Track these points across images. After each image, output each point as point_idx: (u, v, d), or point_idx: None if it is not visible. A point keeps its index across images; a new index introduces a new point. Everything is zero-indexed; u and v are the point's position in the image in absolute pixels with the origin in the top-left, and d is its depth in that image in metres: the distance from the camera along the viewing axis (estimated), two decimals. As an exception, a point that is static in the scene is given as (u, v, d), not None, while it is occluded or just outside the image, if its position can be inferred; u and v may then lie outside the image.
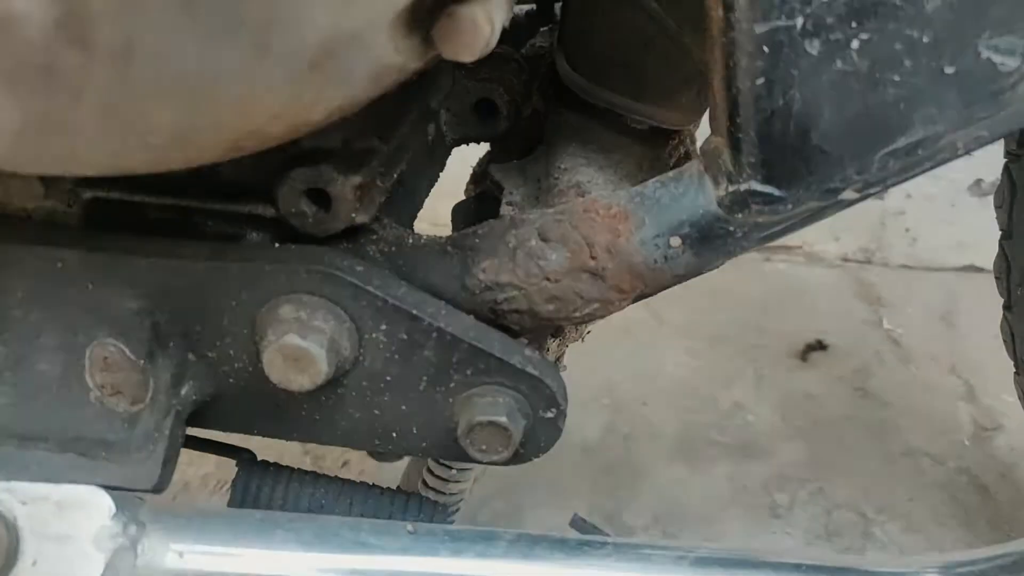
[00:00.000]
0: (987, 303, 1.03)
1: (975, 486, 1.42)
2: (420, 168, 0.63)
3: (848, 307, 1.93)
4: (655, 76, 0.59)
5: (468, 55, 0.37)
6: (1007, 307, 0.91)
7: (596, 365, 1.56)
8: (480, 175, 0.80)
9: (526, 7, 0.84)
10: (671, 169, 0.59)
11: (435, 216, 0.77)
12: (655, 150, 0.61)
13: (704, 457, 1.42)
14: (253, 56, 0.31)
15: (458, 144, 0.72)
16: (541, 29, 0.83)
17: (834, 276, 2.05)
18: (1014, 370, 0.94)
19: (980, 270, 1.94)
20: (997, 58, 0.41)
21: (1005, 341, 0.95)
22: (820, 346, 1.79)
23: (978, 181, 2.00)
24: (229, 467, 0.58)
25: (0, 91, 0.30)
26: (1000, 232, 0.89)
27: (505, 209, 0.57)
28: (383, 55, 0.35)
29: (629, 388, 1.56)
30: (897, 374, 1.71)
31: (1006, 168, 0.86)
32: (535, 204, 0.56)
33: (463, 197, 0.77)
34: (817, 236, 2.06)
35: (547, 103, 0.70)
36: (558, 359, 0.79)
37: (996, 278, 0.93)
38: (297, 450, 1.23)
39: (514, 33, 0.79)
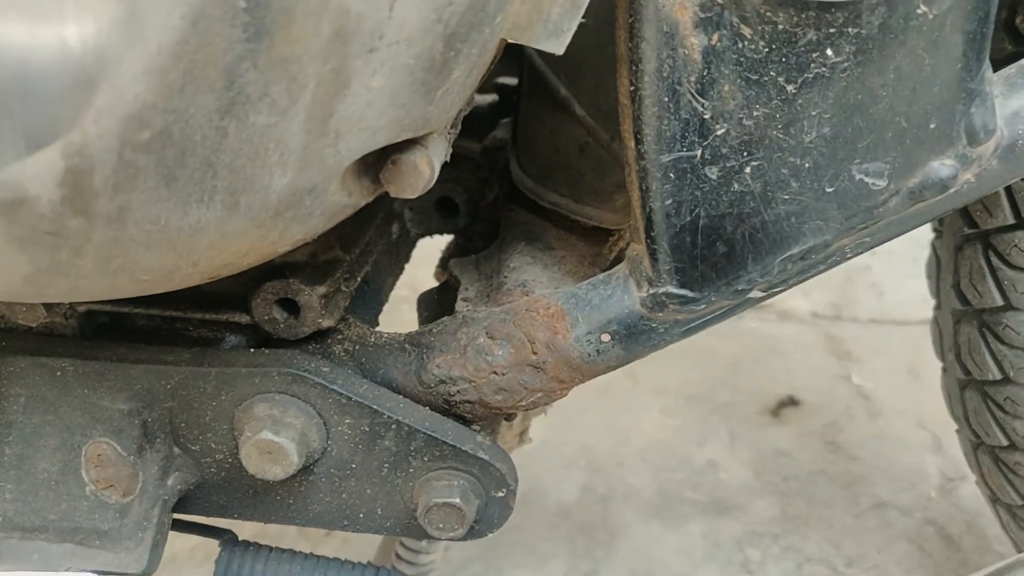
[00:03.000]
0: (952, 356, 1.09)
1: (942, 536, 1.47)
2: (385, 266, 0.70)
3: (818, 362, 1.98)
4: (591, 180, 0.66)
5: (411, 193, 0.44)
6: (943, 369, 0.98)
7: (572, 426, 1.61)
8: (445, 261, 0.87)
9: (489, 97, 0.91)
10: (611, 263, 0.66)
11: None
12: (596, 246, 0.67)
13: (679, 515, 1.46)
14: (225, 213, 0.37)
15: (422, 237, 0.79)
16: (502, 120, 0.89)
17: (805, 332, 2.11)
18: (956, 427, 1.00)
19: (944, 324, 1.99)
20: (868, 180, 0.48)
21: (945, 400, 1.01)
22: (792, 402, 1.84)
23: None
24: (213, 546, 0.63)
25: (14, 250, 0.36)
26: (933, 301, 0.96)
27: (460, 305, 0.63)
28: (337, 199, 0.42)
29: (605, 449, 1.61)
30: (866, 428, 1.76)
31: (932, 244, 0.93)
32: (487, 301, 0.62)
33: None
34: (788, 293, 2.12)
35: (503, 198, 0.77)
36: (523, 432, 0.84)
37: (932, 342, 1.00)
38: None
39: (476, 124, 0.86)
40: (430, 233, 0.78)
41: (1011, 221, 0.76)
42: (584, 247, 0.68)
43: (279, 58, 0.32)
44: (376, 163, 0.43)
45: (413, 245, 0.79)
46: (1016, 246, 0.76)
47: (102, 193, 0.34)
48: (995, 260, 0.79)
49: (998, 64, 0.74)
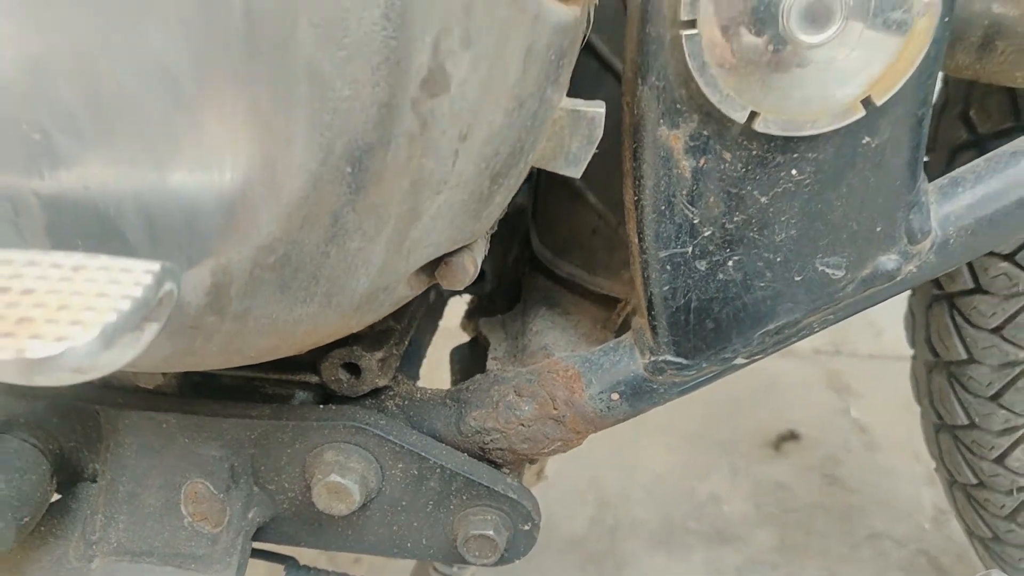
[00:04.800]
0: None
1: (934, 567, 1.55)
2: (424, 326, 0.81)
3: (818, 397, 2.07)
4: (602, 256, 0.77)
5: (459, 286, 0.55)
6: (921, 413, 1.08)
7: (582, 462, 1.70)
8: (473, 311, 0.98)
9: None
10: (619, 327, 0.77)
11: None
12: (606, 312, 0.78)
13: (683, 545, 1.56)
14: (320, 309, 0.49)
15: (452, 297, 0.91)
16: (522, 186, 1.01)
17: (806, 367, 2.19)
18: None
19: (937, 361, 2.08)
20: (829, 271, 0.59)
21: (924, 440, 1.11)
22: (792, 436, 1.93)
23: (934, 277, 2.17)
24: (278, 570, 0.74)
25: (162, 339, 0.47)
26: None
27: (491, 363, 0.74)
28: (402, 293, 0.53)
29: (613, 483, 1.70)
30: (864, 461, 1.85)
31: (908, 300, 1.04)
32: (514, 361, 0.73)
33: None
34: (790, 331, 2.22)
35: (524, 263, 0.88)
36: (541, 470, 0.95)
37: (911, 388, 1.10)
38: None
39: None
40: (460, 294, 0.90)
41: (971, 286, 0.86)
42: (596, 312, 0.79)
43: (371, 204, 0.44)
44: (432, 264, 0.54)
45: (445, 304, 0.90)
46: (975, 308, 0.87)
47: (234, 299, 0.46)
48: (959, 319, 0.90)
49: (958, 148, 0.86)
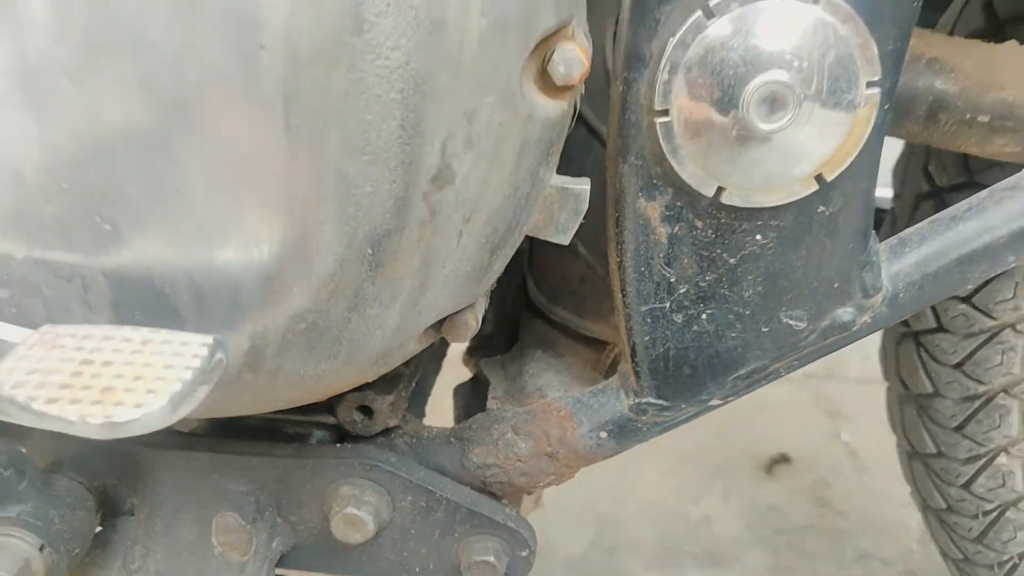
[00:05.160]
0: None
1: (920, 587, 1.61)
2: (429, 369, 0.88)
3: (810, 420, 2.13)
4: (591, 303, 0.85)
5: (462, 340, 0.62)
6: (897, 442, 1.15)
7: (580, 487, 1.76)
8: (473, 349, 1.05)
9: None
10: (608, 367, 0.84)
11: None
12: (596, 353, 0.86)
13: (678, 566, 1.62)
14: (341, 365, 0.56)
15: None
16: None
17: (797, 391, 2.25)
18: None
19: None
20: (792, 322, 0.66)
21: (901, 467, 1.17)
22: (784, 459, 1.99)
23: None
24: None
25: (202, 393, 0.54)
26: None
27: (491, 403, 0.81)
28: (412, 348, 0.61)
29: (610, 506, 1.76)
30: (853, 483, 1.91)
31: (882, 335, 1.11)
32: (512, 400, 0.80)
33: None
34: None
35: (522, 308, 0.96)
36: (538, 497, 1.02)
37: (887, 417, 1.17)
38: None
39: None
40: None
41: (934, 325, 0.94)
42: (587, 354, 0.86)
43: (388, 278, 0.51)
44: (439, 321, 0.61)
45: (448, 346, 0.97)
46: (938, 345, 0.94)
47: (268, 359, 0.53)
48: (924, 355, 0.97)
49: (920, 197, 0.93)
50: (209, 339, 0.44)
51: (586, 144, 0.79)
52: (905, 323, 0.99)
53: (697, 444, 2.01)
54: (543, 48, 0.53)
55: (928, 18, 0.90)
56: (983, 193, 0.67)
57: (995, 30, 0.85)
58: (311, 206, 0.47)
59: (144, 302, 0.50)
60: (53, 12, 0.43)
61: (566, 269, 0.86)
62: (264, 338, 0.52)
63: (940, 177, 0.91)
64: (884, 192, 1.18)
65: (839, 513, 1.83)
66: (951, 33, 0.89)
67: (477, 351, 1.02)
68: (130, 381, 0.40)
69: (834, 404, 2.24)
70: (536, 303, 0.90)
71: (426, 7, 0.44)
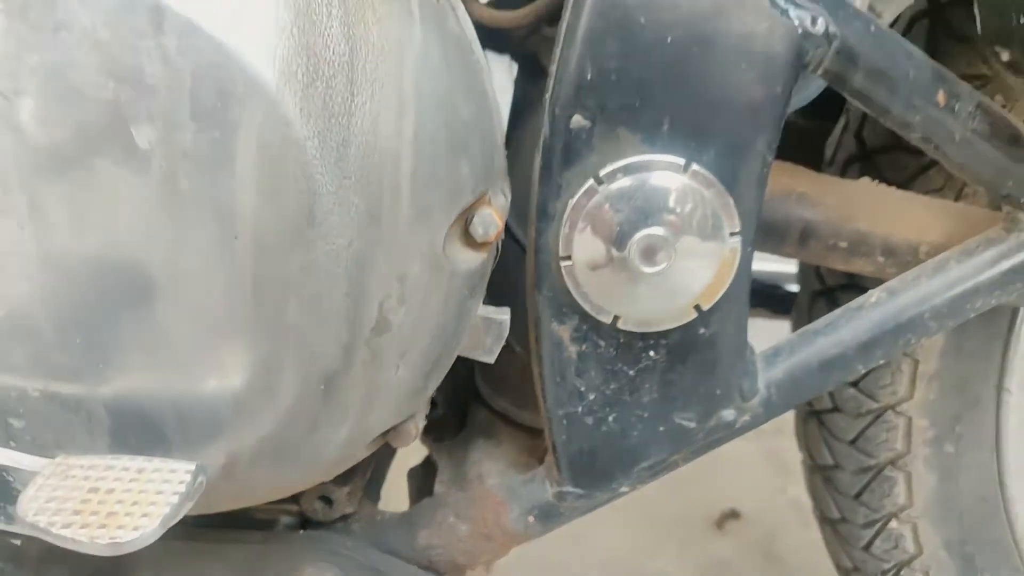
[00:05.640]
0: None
1: (860, 635, 1.72)
2: (383, 459, 1.00)
3: (759, 476, 2.25)
4: (528, 394, 0.96)
5: (405, 445, 0.74)
6: (812, 507, 1.27)
7: (541, 542, 1.86)
8: (428, 428, 1.16)
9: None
10: (542, 454, 0.96)
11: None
12: (533, 440, 0.98)
13: (632, 622, 1.72)
14: (301, 472, 0.67)
15: (409, 425, 1.09)
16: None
17: (749, 447, 2.36)
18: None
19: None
20: (684, 422, 0.79)
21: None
22: (734, 514, 2.10)
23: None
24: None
25: (186, 509, 0.66)
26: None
27: (438, 487, 0.92)
28: (362, 454, 0.73)
29: (570, 563, 1.86)
30: (800, 537, 2.02)
31: (795, 414, 1.24)
32: (456, 485, 0.92)
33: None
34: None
35: (469, 394, 1.08)
36: (488, 566, 1.13)
37: (805, 483, 1.29)
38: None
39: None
40: (415, 422, 1.08)
41: (831, 406, 1.07)
42: (524, 440, 0.98)
43: (337, 405, 0.63)
44: (385, 431, 0.74)
45: (403, 431, 1.09)
46: (836, 424, 1.07)
47: (241, 471, 0.65)
48: (825, 432, 1.10)
49: (815, 295, 1.07)
50: (192, 466, 0.56)
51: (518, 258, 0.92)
52: (809, 403, 1.12)
53: (653, 499, 2.09)
54: (464, 213, 0.66)
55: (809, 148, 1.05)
56: (837, 312, 0.80)
57: (865, 156, 1.00)
58: (275, 353, 0.59)
59: (137, 428, 0.62)
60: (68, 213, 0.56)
61: (506, 365, 0.98)
62: (237, 455, 0.63)
63: (829, 277, 1.05)
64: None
65: (787, 566, 1.93)
66: (833, 157, 1.04)
67: (430, 431, 1.14)
68: (128, 507, 0.52)
69: (782, 459, 2.34)
70: (481, 392, 1.02)
71: (365, 204, 0.57)
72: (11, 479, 0.55)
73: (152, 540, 0.51)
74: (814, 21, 0.67)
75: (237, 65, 0.53)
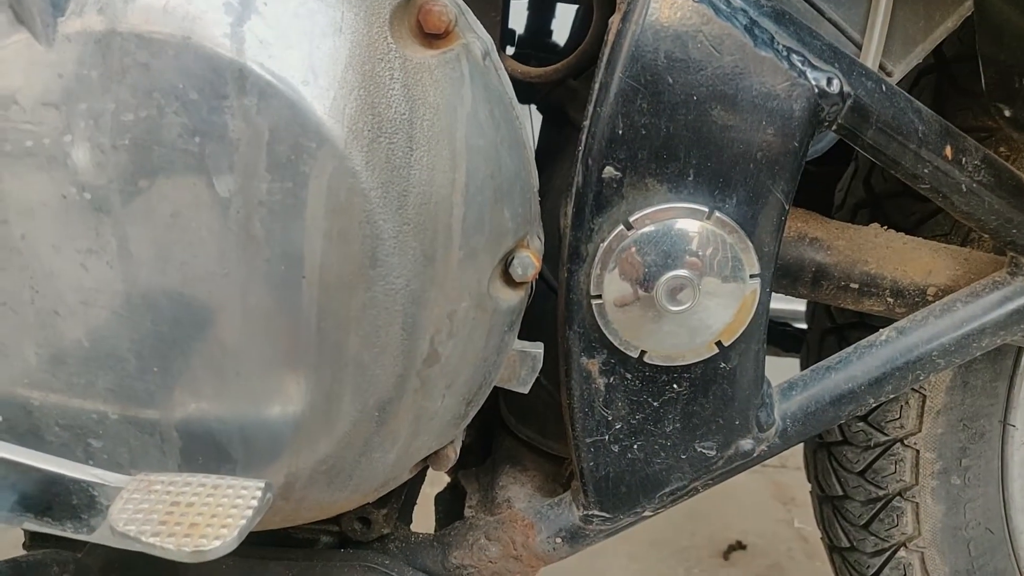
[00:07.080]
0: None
1: (864, 665, 1.75)
2: (415, 484, 1.05)
3: (765, 508, 2.29)
4: (553, 424, 1.02)
5: (444, 469, 0.79)
6: (821, 537, 1.31)
7: (555, 571, 1.90)
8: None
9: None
10: (566, 480, 1.01)
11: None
12: (557, 467, 1.03)
13: (642, 649, 1.75)
14: (352, 493, 0.73)
15: (437, 451, 1.15)
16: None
17: (755, 480, 2.41)
18: None
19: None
20: (705, 451, 0.84)
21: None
22: (740, 546, 2.14)
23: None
24: None
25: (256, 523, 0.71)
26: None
27: (468, 511, 0.97)
28: (406, 477, 0.78)
29: (581, 593, 1.90)
30: (805, 569, 2.06)
31: (804, 447, 1.29)
32: (485, 509, 0.97)
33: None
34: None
35: (495, 425, 1.13)
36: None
37: (814, 515, 1.33)
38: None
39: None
40: (443, 448, 1.13)
41: (840, 438, 1.12)
42: (549, 468, 1.03)
43: (389, 431, 0.69)
44: (428, 457, 0.79)
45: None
46: (844, 455, 1.12)
47: (298, 491, 0.70)
48: (834, 463, 1.15)
49: (825, 332, 1.12)
50: (261, 483, 0.61)
51: (546, 295, 0.98)
52: (819, 436, 1.17)
53: (664, 529, 2.15)
54: (506, 255, 0.72)
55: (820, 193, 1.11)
56: (849, 349, 0.86)
57: (874, 201, 1.05)
58: (335, 383, 0.65)
59: (206, 449, 0.67)
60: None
61: (532, 396, 1.03)
62: (295, 476, 0.69)
63: (839, 316, 1.10)
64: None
65: (792, 598, 1.97)
66: (843, 203, 1.10)
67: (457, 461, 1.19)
68: (208, 519, 0.57)
69: (788, 492, 2.39)
70: (507, 422, 1.08)
71: (421, 248, 0.63)
72: (96, 494, 0.60)
73: (231, 549, 0.56)
74: (829, 82, 0.73)
75: (310, 122, 0.59)
